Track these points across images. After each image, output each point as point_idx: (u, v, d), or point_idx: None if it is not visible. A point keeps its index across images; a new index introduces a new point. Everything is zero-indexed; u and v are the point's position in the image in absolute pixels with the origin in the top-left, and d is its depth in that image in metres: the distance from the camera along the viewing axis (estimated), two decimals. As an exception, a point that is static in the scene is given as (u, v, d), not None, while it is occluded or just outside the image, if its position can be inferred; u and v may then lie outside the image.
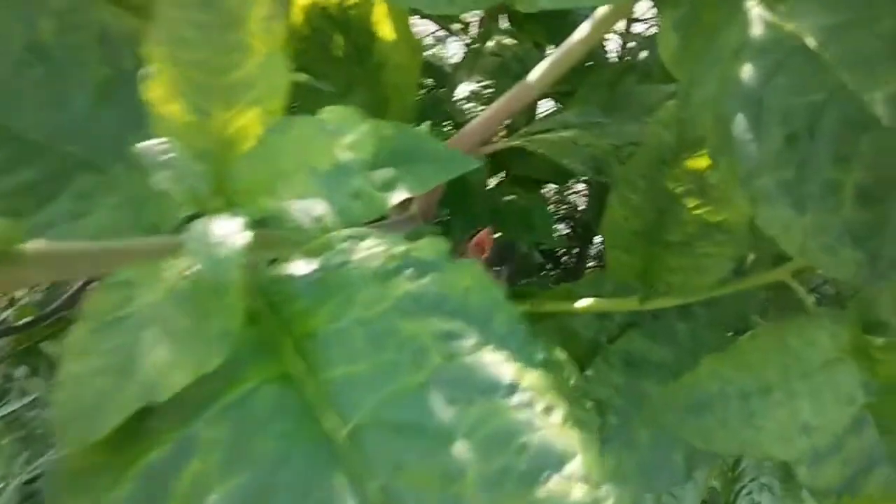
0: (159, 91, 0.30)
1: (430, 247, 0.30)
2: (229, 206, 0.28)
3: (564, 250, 1.42)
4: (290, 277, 0.30)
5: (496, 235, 0.82)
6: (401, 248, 0.31)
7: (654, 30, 1.07)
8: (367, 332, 0.28)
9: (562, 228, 1.46)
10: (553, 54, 0.47)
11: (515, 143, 0.52)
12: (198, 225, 0.26)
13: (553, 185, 1.29)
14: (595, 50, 0.69)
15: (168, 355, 0.25)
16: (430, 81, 0.95)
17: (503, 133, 0.78)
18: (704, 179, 0.43)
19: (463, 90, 0.61)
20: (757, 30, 0.32)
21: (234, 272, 0.26)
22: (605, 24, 0.44)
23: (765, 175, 0.29)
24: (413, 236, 0.57)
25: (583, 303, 0.55)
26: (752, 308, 0.59)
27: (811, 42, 0.29)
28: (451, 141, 0.50)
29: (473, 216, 0.75)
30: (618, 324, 0.58)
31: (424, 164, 0.35)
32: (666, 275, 0.49)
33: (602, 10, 0.42)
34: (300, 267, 0.31)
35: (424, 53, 0.94)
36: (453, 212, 0.75)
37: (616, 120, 0.49)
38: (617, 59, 0.87)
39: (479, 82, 0.60)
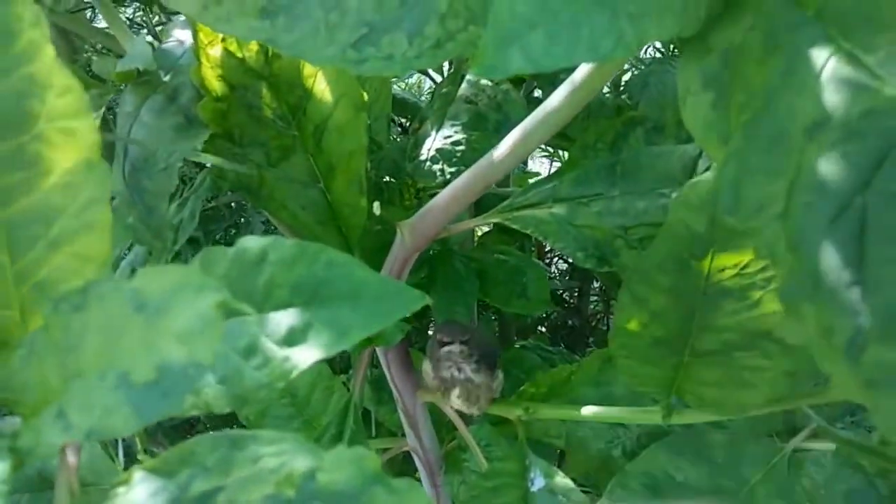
0: None
1: (348, 464, 0.19)
2: (-8, 439, 0.17)
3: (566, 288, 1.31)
4: (124, 523, 0.19)
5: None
6: (301, 464, 0.19)
7: (657, 52, 0.96)
8: None
9: (560, 264, 1.35)
10: (541, 110, 0.36)
11: (493, 220, 0.41)
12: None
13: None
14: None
15: None
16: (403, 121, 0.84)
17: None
18: (748, 276, 0.32)
19: (433, 145, 0.50)
20: (839, 97, 0.21)
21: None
22: (607, 71, 0.33)
23: (883, 344, 0.18)
24: (375, 338, 0.46)
25: (590, 410, 0.44)
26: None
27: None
28: (409, 224, 0.39)
29: (456, 284, 0.63)
30: (636, 433, 0.46)
31: (347, 304, 0.24)
32: (696, 388, 0.38)
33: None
34: (140, 500, 0.20)
35: (395, 87, 0.84)
36: (431, 278, 0.64)
37: (623, 191, 0.38)
38: (609, 92, 0.76)
39: (447, 138, 0.49)
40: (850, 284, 0.19)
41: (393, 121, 0.81)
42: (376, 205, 0.44)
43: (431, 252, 0.67)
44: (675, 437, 0.44)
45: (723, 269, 0.32)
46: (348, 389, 0.57)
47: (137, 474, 0.20)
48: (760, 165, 0.22)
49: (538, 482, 0.43)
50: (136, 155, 0.40)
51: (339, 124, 0.39)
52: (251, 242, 0.25)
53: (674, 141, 0.39)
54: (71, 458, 0.22)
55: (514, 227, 0.40)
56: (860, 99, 0.21)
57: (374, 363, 0.63)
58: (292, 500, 0.19)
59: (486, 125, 0.49)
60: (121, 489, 0.20)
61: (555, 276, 1.30)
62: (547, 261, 1.26)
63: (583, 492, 0.45)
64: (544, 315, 1.26)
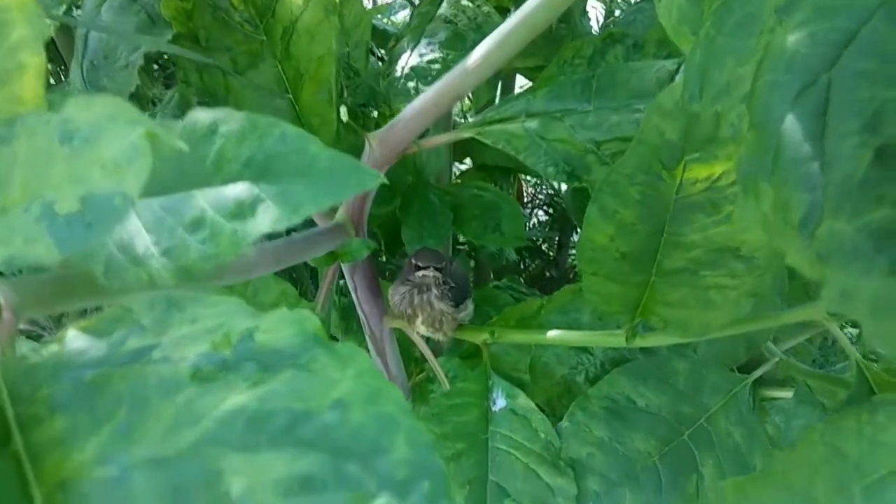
0: None
1: (289, 324, 0.19)
2: None
3: (545, 238, 1.30)
4: (53, 373, 0.19)
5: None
6: (241, 324, 0.19)
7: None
8: (162, 485, 0.16)
9: (540, 215, 1.34)
10: (515, 16, 0.35)
11: (466, 135, 0.40)
12: None
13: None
14: (572, 17, 0.57)
15: None
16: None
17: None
18: (719, 189, 0.31)
19: (408, 63, 0.48)
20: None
21: None
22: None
23: (836, 217, 0.17)
24: (341, 254, 0.45)
25: (554, 334, 0.43)
26: (765, 335, 0.48)
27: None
28: (378, 135, 0.38)
29: (430, 216, 0.63)
30: (599, 359, 0.46)
31: (300, 178, 0.23)
32: (661, 309, 0.37)
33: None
34: (72, 355, 0.19)
35: (379, 21, 0.81)
36: (404, 210, 0.63)
37: (597, 107, 0.37)
38: (599, 31, 0.75)
39: (422, 55, 0.47)
40: (810, 159, 0.18)
41: (373, 52, 0.79)
42: (343, 110, 0.42)
43: (406, 184, 0.66)
44: (638, 364, 0.44)
45: (694, 182, 0.31)
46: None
47: (71, 332, 0.20)
48: (729, 48, 0.21)
49: (500, 402, 0.43)
50: (95, 52, 0.38)
51: (309, 27, 0.38)
52: (202, 115, 0.24)
53: (653, 59, 0.38)
54: (7, 321, 0.22)
55: (486, 141, 0.39)
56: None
57: (344, 292, 0.62)
58: (228, 359, 0.18)
59: (463, 44, 0.48)
60: (54, 346, 0.20)
61: (535, 227, 1.29)
62: (528, 210, 1.25)
63: (545, 417, 0.45)
64: (522, 265, 1.25)
